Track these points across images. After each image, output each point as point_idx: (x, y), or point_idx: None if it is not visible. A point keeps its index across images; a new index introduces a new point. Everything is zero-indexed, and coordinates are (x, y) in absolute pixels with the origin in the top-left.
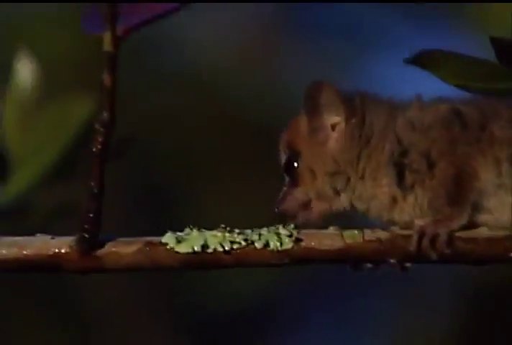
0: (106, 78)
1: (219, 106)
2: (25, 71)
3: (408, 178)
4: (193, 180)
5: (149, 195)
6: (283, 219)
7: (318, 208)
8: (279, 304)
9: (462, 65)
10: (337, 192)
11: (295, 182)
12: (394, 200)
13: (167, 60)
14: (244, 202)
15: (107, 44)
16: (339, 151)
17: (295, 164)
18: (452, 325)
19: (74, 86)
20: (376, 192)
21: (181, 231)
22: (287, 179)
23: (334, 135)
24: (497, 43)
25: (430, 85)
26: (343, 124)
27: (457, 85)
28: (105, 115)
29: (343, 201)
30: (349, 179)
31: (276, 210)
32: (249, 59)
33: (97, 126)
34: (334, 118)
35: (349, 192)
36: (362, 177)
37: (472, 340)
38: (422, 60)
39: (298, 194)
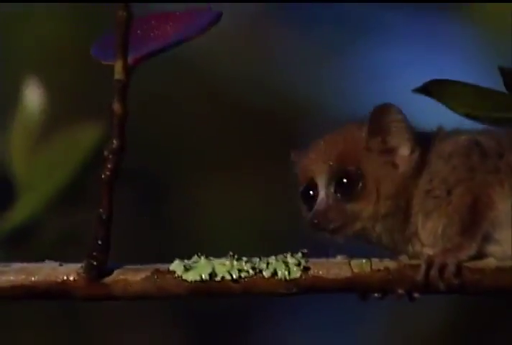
0: (117, 106)
1: (218, 94)
2: (33, 96)
3: (430, 204)
4: (191, 170)
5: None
6: (314, 228)
7: (354, 228)
8: (277, 302)
9: (470, 95)
10: (386, 216)
11: (351, 197)
12: (415, 231)
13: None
14: (246, 191)
15: (118, 73)
16: (404, 177)
17: (353, 179)
18: (445, 322)
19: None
20: (406, 222)
21: (189, 258)
22: (333, 189)
23: (400, 161)
24: (506, 73)
25: (425, 75)
26: (409, 152)
27: (465, 115)
28: (115, 142)
29: (378, 228)
30: (398, 205)
31: (313, 219)
32: (247, 46)
33: (106, 153)
34: (402, 145)
35: (391, 219)
36: (406, 206)
37: (466, 337)
38: (430, 90)
39: (354, 208)
